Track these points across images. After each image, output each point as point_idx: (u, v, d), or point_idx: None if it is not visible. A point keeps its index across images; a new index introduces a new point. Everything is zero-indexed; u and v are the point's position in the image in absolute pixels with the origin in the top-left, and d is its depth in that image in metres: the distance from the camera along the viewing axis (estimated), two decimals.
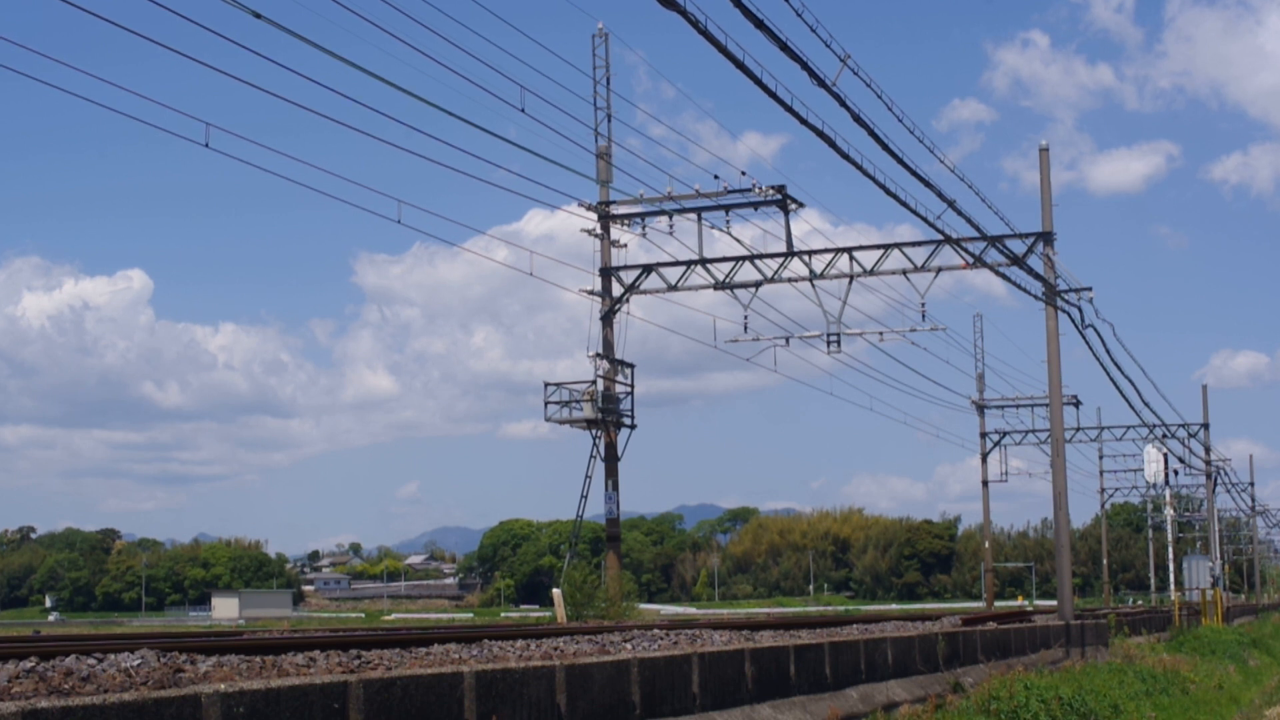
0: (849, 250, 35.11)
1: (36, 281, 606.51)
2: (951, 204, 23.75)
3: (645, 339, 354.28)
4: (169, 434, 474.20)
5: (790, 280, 35.27)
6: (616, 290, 35.84)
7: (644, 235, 35.79)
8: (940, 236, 29.00)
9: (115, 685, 7.91)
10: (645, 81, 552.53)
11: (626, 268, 35.96)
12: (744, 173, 34.10)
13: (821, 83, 16.43)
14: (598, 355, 35.24)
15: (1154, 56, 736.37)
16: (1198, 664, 30.44)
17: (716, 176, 34.03)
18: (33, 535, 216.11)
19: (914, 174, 20.93)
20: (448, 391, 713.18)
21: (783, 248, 34.78)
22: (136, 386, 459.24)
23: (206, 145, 19.87)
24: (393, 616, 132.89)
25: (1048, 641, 27.13)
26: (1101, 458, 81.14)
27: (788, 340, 37.16)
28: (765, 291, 35.93)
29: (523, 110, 23.64)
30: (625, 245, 36.08)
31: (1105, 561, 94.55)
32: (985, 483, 65.39)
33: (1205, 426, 69.15)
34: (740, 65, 15.60)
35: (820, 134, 17.84)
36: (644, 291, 35.89)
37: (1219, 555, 75.68)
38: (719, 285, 35.64)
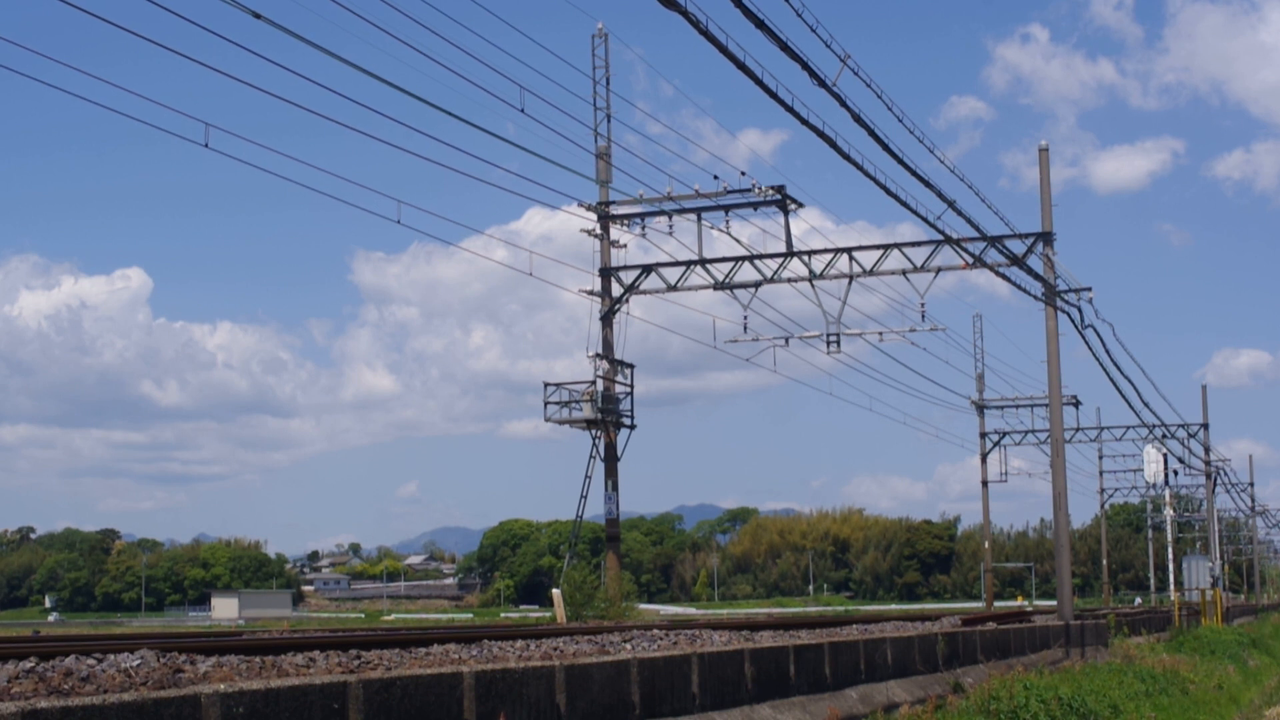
0: (849, 250, 35.11)
1: (35, 280, 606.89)
2: (951, 204, 23.78)
3: (645, 339, 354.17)
4: (168, 433, 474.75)
5: (790, 280, 35.27)
6: (616, 290, 35.83)
7: (643, 235, 35.79)
8: (940, 236, 29.01)
9: (115, 685, 7.91)
10: (643, 80, 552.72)
11: (626, 268, 35.95)
12: (743, 173, 34.11)
13: (822, 83, 16.45)
14: (597, 355, 35.23)
15: (1155, 53, 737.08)
16: (1197, 664, 30.43)
17: (716, 176, 34.05)
18: (32, 535, 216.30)
19: (914, 174, 20.96)
20: (447, 391, 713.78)
21: (782, 248, 34.78)
22: (135, 386, 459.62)
23: (206, 145, 19.90)
24: (392, 617, 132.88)
25: (1047, 642, 27.12)
26: (1101, 458, 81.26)
27: (787, 340, 37.16)
28: (765, 291, 35.97)
29: (522, 110, 23.66)
30: (625, 245, 36.08)
31: (1105, 561, 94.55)
32: (985, 483, 65.40)
33: (1205, 426, 69.19)
34: (741, 66, 15.61)
35: (821, 134, 17.85)
36: (644, 291, 35.89)
37: (1219, 555, 75.70)
38: (718, 285, 35.63)
